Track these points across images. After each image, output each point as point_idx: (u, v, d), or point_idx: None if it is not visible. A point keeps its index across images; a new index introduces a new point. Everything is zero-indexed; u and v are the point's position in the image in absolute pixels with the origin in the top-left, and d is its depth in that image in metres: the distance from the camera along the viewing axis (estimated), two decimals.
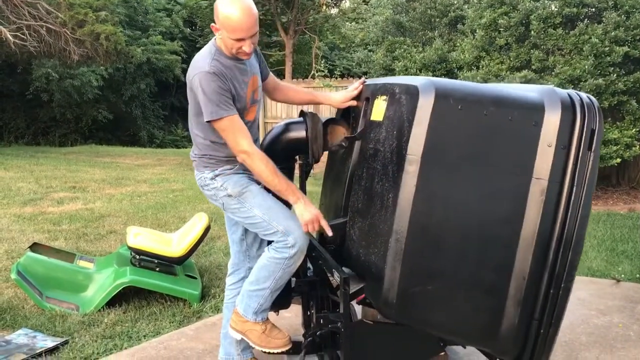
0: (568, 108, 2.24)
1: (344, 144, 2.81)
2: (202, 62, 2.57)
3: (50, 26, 15.28)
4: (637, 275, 5.00)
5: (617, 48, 7.80)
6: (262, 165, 2.56)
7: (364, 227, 2.44)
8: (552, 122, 2.22)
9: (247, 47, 2.54)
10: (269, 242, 2.75)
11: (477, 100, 2.23)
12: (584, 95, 2.31)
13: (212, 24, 2.58)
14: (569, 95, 2.28)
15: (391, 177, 2.24)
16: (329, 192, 3.05)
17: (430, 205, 2.19)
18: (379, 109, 2.48)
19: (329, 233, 2.61)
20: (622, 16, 7.94)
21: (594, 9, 8.46)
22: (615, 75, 7.86)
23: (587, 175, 2.25)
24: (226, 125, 2.53)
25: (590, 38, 7.89)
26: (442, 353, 2.63)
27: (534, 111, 2.24)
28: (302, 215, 2.58)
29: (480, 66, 8.93)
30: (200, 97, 2.52)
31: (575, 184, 2.23)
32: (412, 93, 2.22)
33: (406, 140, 2.17)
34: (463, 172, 2.21)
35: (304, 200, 2.62)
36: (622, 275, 4.96)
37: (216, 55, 2.59)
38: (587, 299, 4.34)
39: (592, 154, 2.25)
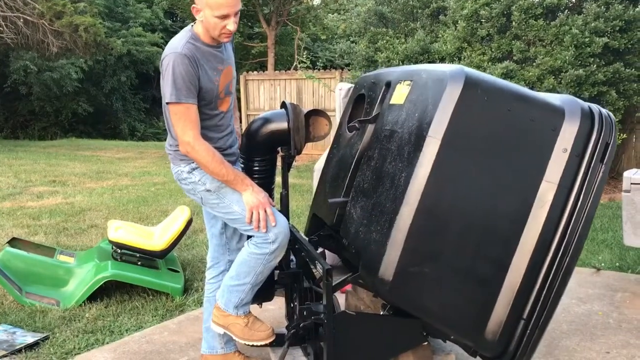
0: (587, 119, 2.31)
1: (357, 125, 2.80)
2: (175, 44, 2.54)
3: (28, 17, 15.05)
4: (617, 264, 5.06)
5: (597, 39, 7.86)
6: (208, 157, 2.52)
7: (367, 206, 2.44)
8: (570, 129, 2.28)
9: (231, 25, 2.52)
10: (249, 236, 2.73)
11: (503, 95, 2.28)
12: (603, 110, 2.39)
13: (193, 6, 2.55)
14: (589, 107, 2.36)
15: (406, 158, 2.25)
16: (330, 176, 3.05)
17: (441, 189, 2.21)
18: (400, 93, 2.50)
19: (272, 223, 2.59)
20: (602, 7, 8.00)
21: (574, 0, 8.52)
22: (595, 66, 7.92)
23: (596, 186, 2.31)
24: (181, 111, 2.50)
25: (571, 29, 7.94)
26: (425, 343, 2.64)
27: (555, 116, 2.30)
28: (249, 202, 2.57)
29: (462, 57, 8.95)
30: (167, 76, 2.48)
31: (583, 193, 2.30)
32: (441, 79, 2.24)
33: (428, 122, 2.19)
34: (478, 162, 2.25)
35: (253, 187, 2.62)
36: (602, 264, 5.03)
37: (191, 40, 2.56)
38: (568, 287, 4.38)
39: (603, 166, 2.32)
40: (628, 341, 3.47)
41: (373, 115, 2.70)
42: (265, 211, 2.58)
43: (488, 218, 2.30)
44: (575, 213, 2.30)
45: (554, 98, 2.41)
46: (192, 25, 2.63)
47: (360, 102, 2.99)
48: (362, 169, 2.61)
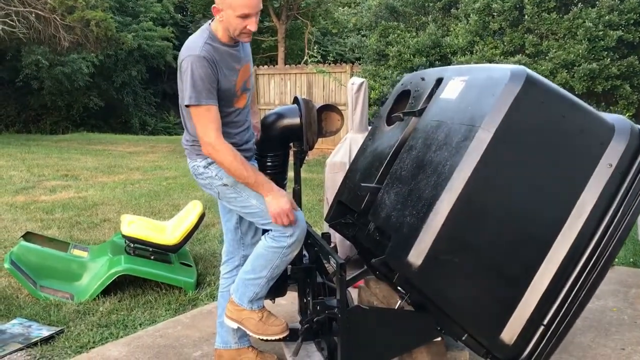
0: (636, 139, 2.36)
1: (401, 116, 2.83)
2: (194, 45, 2.54)
3: (40, 12, 15.13)
4: (631, 260, 5.03)
5: (611, 32, 7.77)
6: (230, 158, 2.51)
7: (403, 191, 2.46)
8: (618, 146, 2.33)
9: (252, 25, 2.52)
10: (264, 231, 2.73)
11: (560, 101, 2.32)
12: None
13: (214, 6, 2.55)
14: (639, 129, 2.42)
15: (454, 147, 2.27)
16: (363, 165, 3.09)
17: (485, 181, 2.22)
18: (453, 88, 2.54)
19: (293, 224, 2.59)
20: (616, 0, 7.91)
21: None
22: (609, 59, 7.84)
23: (635, 204, 2.34)
24: (202, 113, 2.51)
25: (584, 22, 7.86)
26: (439, 339, 2.63)
27: (605, 131, 2.36)
28: (271, 207, 2.55)
29: (474, 51, 8.89)
30: (187, 79, 2.49)
31: (621, 210, 2.32)
32: (502, 76, 2.28)
33: (482, 115, 2.22)
34: (525, 161, 2.29)
35: (274, 193, 2.57)
36: (616, 260, 4.98)
37: (209, 40, 2.56)
38: None
39: None
40: None
41: (419, 108, 2.72)
42: (289, 215, 2.57)
43: (526, 218, 2.32)
44: (611, 229, 2.32)
45: (605, 115, 2.45)
46: (209, 24, 2.63)
47: (404, 98, 3.02)
48: (401, 158, 2.63)
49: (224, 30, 2.57)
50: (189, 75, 2.48)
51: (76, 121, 23.32)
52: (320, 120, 3.08)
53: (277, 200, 2.56)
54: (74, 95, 22.53)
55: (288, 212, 2.57)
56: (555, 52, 8.02)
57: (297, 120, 2.94)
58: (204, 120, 2.51)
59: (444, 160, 2.29)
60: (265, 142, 2.97)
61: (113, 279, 4.08)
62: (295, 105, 3.00)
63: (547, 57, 8.15)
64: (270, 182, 2.63)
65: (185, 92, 2.51)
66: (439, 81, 2.72)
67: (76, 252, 4.52)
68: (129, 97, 24.70)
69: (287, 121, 2.98)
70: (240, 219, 2.86)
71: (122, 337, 3.51)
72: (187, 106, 2.53)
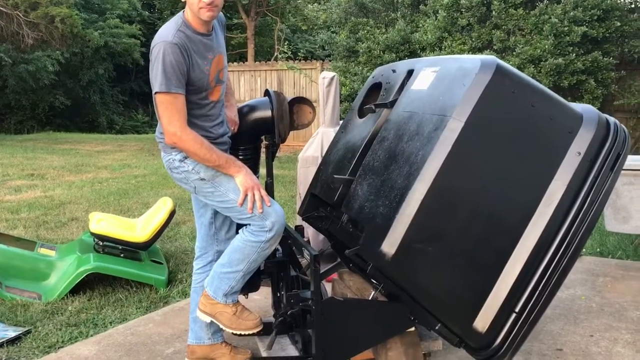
0: (603, 128, 2.40)
1: (372, 108, 2.82)
2: (166, 33, 2.51)
3: (1, 9, 14.76)
4: (598, 249, 5.14)
5: (576, 28, 7.94)
6: (197, 145, 2.49)
7: (376, 182, 2.47)
8: (586, 134, 2.37)
9: None
10: (239, 226, 2.71)
11: (530, 90, 2.35)
12: (619, 123, 2.50)
13: None
14: (606, 118, 2.47)
15: (425, 137, 2.28)
16: (336, 157, 3.08)
17: (457, 170, 2.24)
18: (424, 79, 2.55)
19: (267, 203, 2.59)
20: None
21: None
22: (574, 54, 8.01)
23: (603, 191, 2.38)
24: (168, 101, 2.47)
25: (550, 18, 8.01)
26: (412, 329, 2.64)
27: (573, 119, 2.39)
28: (244, 183, 2.55)
29: (443, 47, 8.98)
30: (157, 65, 2.45)
31: (590, 197, 2.36)
32: (472, 65, 2.29)
33: (453, 105, 2.23)
34: (496, 150, 2.31)
35: (246, 170, 2.60)
36: (584, 250, 5.09)
37: (182, 27, 2.53)
38: None
39: (612, 174, 2.40)
40: (610, 324, 3.53)
41: (390, 100, 2.72)
42: (260, 191, 2.57)
43: (497, 206, 2.35)
44: (580, 216, 2.36)
45: (574, 105, 2.50)
46: (183, 12, 2.60)
47: (375, 91, 3.02)
48: (373, 149, 2.64)
49: (193, 15, 2.54)
50: (160, 62, 2.44)
51: (42, 120, 22.77)
52: (292, 112, 3.06)
53: (250, 176, 2.58)
54: (39, 94, 21.97)
55: (260, 188, 2.58)
56: (522, 47, 8.15)
57: (268, 113, 2.92)
58: (169, 109, 2.48)
59: (416, 151, 2.30)
60: (236, 135, 2.94)
61: (82, 277, 3.99)
62: (267, 97, 2.98)
63: (514, 53, 8.29)
64: (240, 162, 2.64)
65: (155, 79, 2.47)
66: (410, 72, 2.73)
67: (43, 250, 4.42)
68: (96, 95, 24.21)
69: (258, 114, 2.96)
70: (215, 214, 2.82)
71: (92, 335, 3.44)
72: (155, 93, 2.48)
